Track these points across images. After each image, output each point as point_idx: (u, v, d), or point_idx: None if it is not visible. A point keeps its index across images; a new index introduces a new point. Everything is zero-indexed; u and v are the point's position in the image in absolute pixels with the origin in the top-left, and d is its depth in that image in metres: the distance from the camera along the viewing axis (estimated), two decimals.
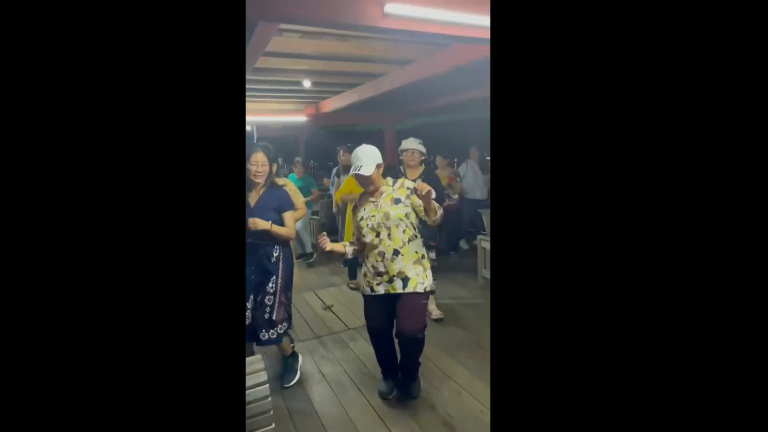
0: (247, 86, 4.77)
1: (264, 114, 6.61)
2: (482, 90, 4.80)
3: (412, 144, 2.80)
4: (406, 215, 1.94)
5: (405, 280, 1.94)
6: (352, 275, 3.86)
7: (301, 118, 6.83)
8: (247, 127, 6.80)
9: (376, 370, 2.33)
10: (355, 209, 2.08)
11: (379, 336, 2.09)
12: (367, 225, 1.97)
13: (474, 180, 5.23)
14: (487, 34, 2.18)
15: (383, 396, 2.13)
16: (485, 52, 2.64)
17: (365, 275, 2.05)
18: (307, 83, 4.57)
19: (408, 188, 1.97)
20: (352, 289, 3.78)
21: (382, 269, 1.96)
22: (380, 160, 1.97)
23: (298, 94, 5.68)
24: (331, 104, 5.91)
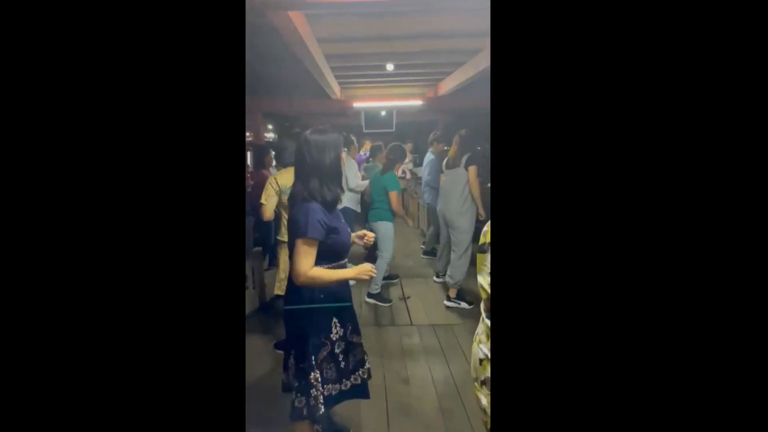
0: (342, 74, 4.72)
1: (371, 100, 6.29)
2: None
3: None
4: None
5: None
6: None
7: (416, 103, 6.11)
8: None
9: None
10: None
11: None
12: None
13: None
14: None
15: None
16: None
17: None
18: (390, 66, 4.21)
19: None
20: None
21: None
22: None
23: (412, 78, 5.21)
24: (447, 85, 5.20)
